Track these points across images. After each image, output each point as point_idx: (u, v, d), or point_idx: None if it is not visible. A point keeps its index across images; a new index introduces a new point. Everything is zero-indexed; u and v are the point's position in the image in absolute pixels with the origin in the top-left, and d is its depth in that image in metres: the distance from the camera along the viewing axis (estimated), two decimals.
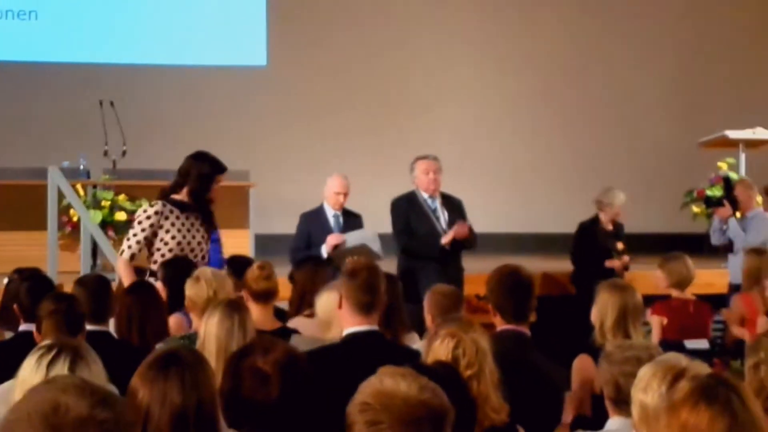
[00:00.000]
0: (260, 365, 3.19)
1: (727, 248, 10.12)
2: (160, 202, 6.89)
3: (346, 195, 8.77)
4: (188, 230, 6.95)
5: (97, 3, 14.39)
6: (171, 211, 6.90)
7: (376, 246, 8.45)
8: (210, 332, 4.53)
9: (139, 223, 6.86)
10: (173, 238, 6.86)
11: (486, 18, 15.14)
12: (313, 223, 8.77)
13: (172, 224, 6.88)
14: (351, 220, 8.90)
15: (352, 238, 8.45)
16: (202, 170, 7.00)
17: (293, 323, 6.17)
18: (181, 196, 6.97)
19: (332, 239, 8.38)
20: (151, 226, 6.83)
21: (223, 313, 4.56)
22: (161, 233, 6.85)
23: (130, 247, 6.84)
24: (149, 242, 6.86)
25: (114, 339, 5.46)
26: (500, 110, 15.10)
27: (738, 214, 10.00)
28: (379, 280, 4.77)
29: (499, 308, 5.03)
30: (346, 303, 4.63)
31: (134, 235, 6.84)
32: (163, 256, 6.79)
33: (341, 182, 8.82)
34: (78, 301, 5.02)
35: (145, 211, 6.91)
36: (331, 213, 8.81)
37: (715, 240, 10.24)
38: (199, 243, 7.00)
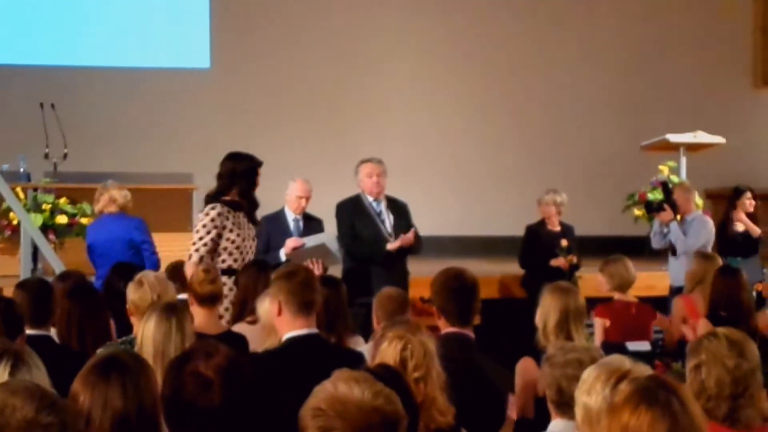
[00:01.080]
0: (202, 370, 3.15)
1: (670, 251, 10.23)
2: (218, 204, 7.12)
3: (308, 199, 8.75)
4: (242, 228, 7.25)
5: (40, 5, 14.23)
6: (228, 212, 7.17)
7: (334, 247, 8.43)
8: (147, 336, 4.50)
9: (204, 226, 7.09)
10: (238, 236, 7.18)
11: (433, 21, 15.15)
12: (274, 226, 8.72)
13: (233, 224, 7.18)
14: (312, 224, 8.84)
15: (312, 241, 8.42)
16: (245, 167, 7.31)
17: (235, 329, 6.13)
18: (230, 196, 7.22)
19: (291, 242, 8.33)
20: (216, 227, 7.09)
21: (160, 317, 4.52)
22: (225, 233, 7.12)
23: (197, 250, 7.06)
24: (215, 243, 7.09)
25: (55, 343, 5.40)
26: (446, 114, 15.12)
27: (678, 218, 10.12)
28: (315, 280, 4.76)
29: (444, 311, 5.04)
30: (285, 306, 4.58)
31: (200, 238, 7.07)
32: (230, 254, 7.11)
33: (304, 186, 8.80)
34: (16, 304, 4.96)
35: (207, 214, 7.12)
36: (291, 217, 8.77)
37: (656, 243, 10.35)
38: (253, 239, 7.38)
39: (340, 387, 2.46)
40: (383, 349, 3.93)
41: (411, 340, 3.88)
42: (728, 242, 10.25)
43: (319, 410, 2.43)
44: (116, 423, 2.95)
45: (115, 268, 6.74)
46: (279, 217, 8.80)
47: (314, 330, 4.62)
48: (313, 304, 4.63)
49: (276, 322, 4.69)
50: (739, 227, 10.38)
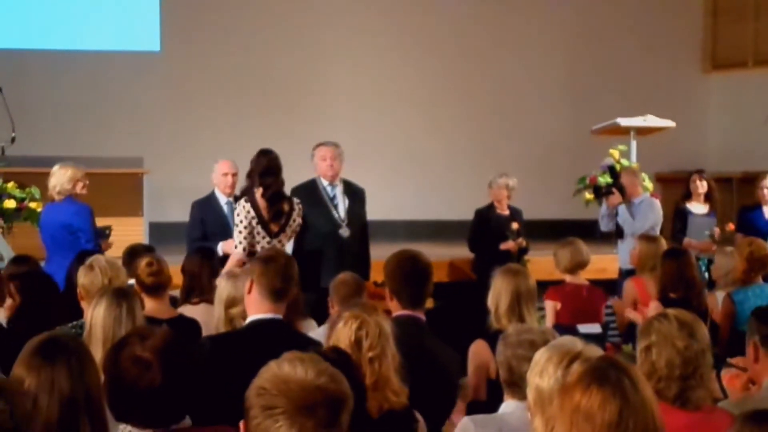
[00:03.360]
0: (139, 353, 3.16)
1: (615, 234, 10.32)
2: (249, 203, 7.54)
3: (234, 175, 8.71)
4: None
5: None
6: (257, 210, 7.54)
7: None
8: (96, 320, 4.48)
9: (241, 222, 7.55)
10: (260, 234, 7.56)
11: (384, 6, 15.13)
12: (206, 210, 8.70)
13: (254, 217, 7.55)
14: None
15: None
16: (263, 166, 7.62)
17: (181, 310, 6.18)
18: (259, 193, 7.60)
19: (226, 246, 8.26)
20: (249, 223, 7.54)
21: (110, 301, 4.51)
22: (257, 229, 7.54)
23: (240, 242, 7.55)
24: (251, 235, 7.54)
25: (2, 327, 5.35)
26: (398, 99, 15.11)
27: (626, 202, 10.22)
28: (294, 269, 4.75)
29: (396, 294, 5.05)
30: (257, 288, 4.58)
31: (239, 232, 7.55)
32: (263, 247, 7.41)
33: (228, 163, 8.80)
34: None
35: (238, 215, 7.58)
36: (223, 200, 8.74)
37: (603, 226, 10.45)
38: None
39: (284, 367, 2.47)
40: (339, 329, 3.93)
41: (366, 320, 3.89)
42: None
43: (262, 389, 2.44)
44: (64, 406, 2.92)
45: (79, 256, 6.68)
46: (210, 200, 8.77)
47: (279, 315, 4.61)
48: (285, 292, 4.62)
49: (246, 300, 4.69)
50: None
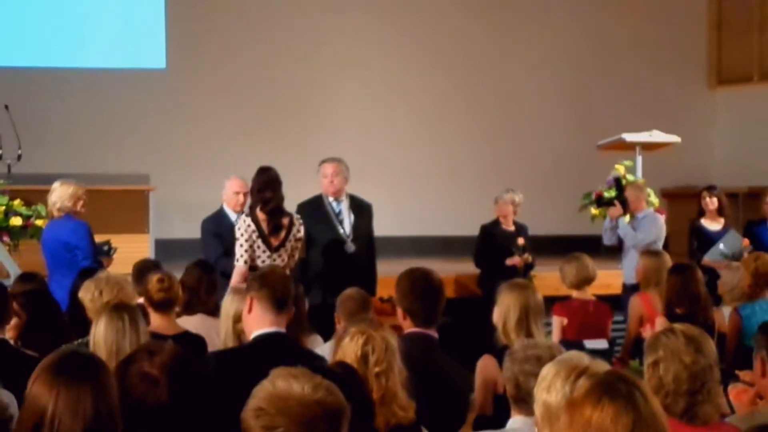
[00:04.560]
0: (147, 369, 3.15)
1: (615, 249, 10.31)
2: (249, 218, 7.67)
3: (245, 195, 8.70)
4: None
5: None
6: (257, 224, 7.63)
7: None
8: (98, 336, 4.50)
9: (242, 236, 7.63)
10: (261, 249, 7.63)
11: (390, 21, 15.16)
12: (219, 226, 8.68)
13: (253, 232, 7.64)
14: None
15: None
16: (261, 182, 7.74)
17: (177, 321, 6.20)
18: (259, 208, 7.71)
19: None
20: (250, 237, 7.62)
21: (111, 316, 4.52)
22: (257, 243, 7.61)
23: (242, 256, 7.62)
24: (252, 251, 7.61)
25: (11, 346, 5.34)
26: (404, 114, 15.13)
27: (628, 216, 10.21)
28: (291, 284, 4.76)
29: (409, 312, 5.02)
30: (257, 303, 4.59)
31: (240, 246, 7.63)
32: (263, 262, 7.54)
33: (239, 182, 8.79)
34: None
35: (239, 228, 7.68)
36: (233, 217, 8.73)
37: (607, 240, 10.44)
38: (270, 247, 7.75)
39: (278, 384, 2.45)
40: (345, 344, 3.93)
41: (373, 335, 3.88)
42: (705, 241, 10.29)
43: (260, 410, 2.42)
44: (88, 424, 2.85)
45: (81, 274, 6.68)
46: (221, 217, 8.76)
47: (282, 329, 4.61)
48: (284, 305, 4.63)
49: (245, 319, 4.70)
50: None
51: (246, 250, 7.60)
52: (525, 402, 3.97)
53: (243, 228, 7.63)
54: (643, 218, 10.19)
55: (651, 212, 10.36)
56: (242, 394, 2.50)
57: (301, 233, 7.84)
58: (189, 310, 6.55)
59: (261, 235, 7.63)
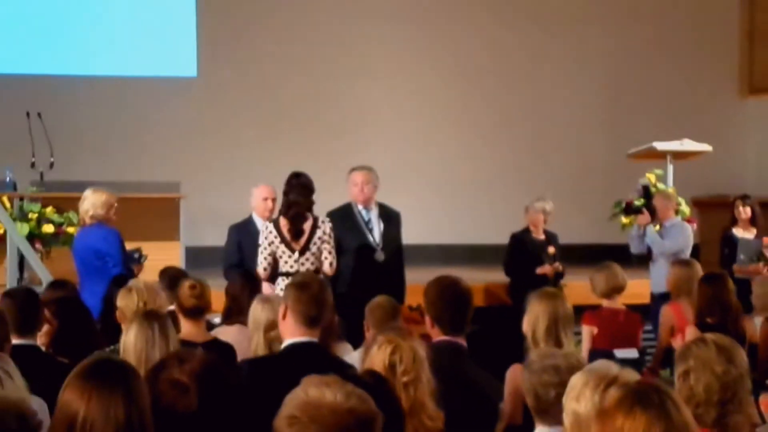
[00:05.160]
0: (177, 376, 3.15)
1: (644, 257, 10.27)
2: (272, 224, 7.88)
3: (274, 200, 8.76)
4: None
5: (25, 13, 14.18)
6: (278, 230, 7.79)
7: None
8: (128, 343, 4.52)
9: (262, 243, 7.86)
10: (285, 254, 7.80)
11: (420, 29, 15.15)
12: (244, 234, 8.74)
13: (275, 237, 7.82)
14: None
15: None
16: (288, 187, 7.91)
17: (215, 332, 6.21)
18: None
19: None
20: (271, 242, 7.81)
21: (141, 324, 4.54)
22: (281, 249, 7.77)
23: (260, 263, 7.84)
24: (274, 257, 7.81)
25: (42, 353, 5.38)
26: (433, 122, 15.12)
27: (658, 225, 10.18)
28: (328, 294, 4.78)
29: (438, 320, 5.02)
30: (291, 314, 4.60)
31: (260, 253, 7.85)
32: (291, 267, 7.75)
33: (268, 188, 8.86)
34: (3, 314, 4.92)
35: (261, 233, 7.91)
36: (260, 224, 8.76)
37: (634, 248, 10.41)
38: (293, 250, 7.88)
39: (311, 392, 2.45)
40: (373, 353, 3.93)
41: (401, 344, 3.87)
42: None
43: (293, 418, 2.41)
44: (120, 430, 2.85)
45: (115, 281, 6.72)
46: (248, 224, 8.82)
47: (314, 339, 4.62)
48: (318, 318, 4.66)
49: (280, 325, 4.74)
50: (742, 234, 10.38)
51: (265, 258, 7.81)
52: (547, 413, 3.96)
53: (264, 234, 7.84)
54: (671, 227, 10.16)
55: (679, 221, 10.33)
56: (274, 402, 2.50)
57: (327, 234, 7.87)
58: (229, 318, 6.56)
59: (282, 240, 7.74)
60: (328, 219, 8.06)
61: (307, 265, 7.75)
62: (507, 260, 10.55)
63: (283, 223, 7.78)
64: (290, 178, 7.94)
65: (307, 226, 7.78)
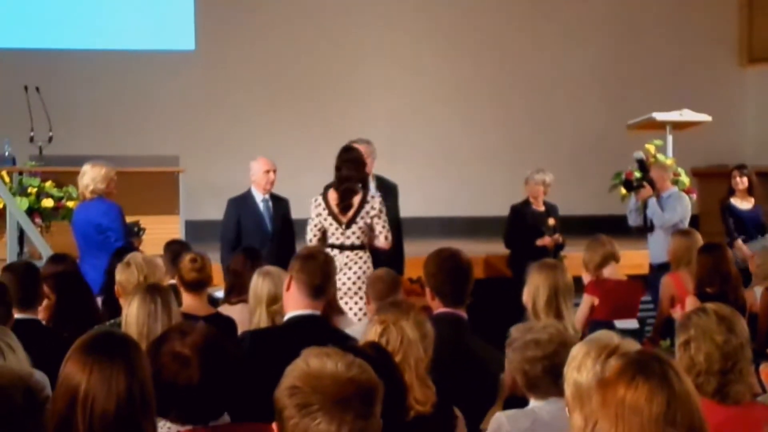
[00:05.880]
0: (179, 349, 3.17)
1: (642, 229, 10.28)
2: (320, 197, 7.96)
3: (275, 172, 8.81)
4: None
5: None
6: (327, 203, 7.91)
7: None
8: (131, 317, 4.53)
9: (310, 215, 8.00)
10: (325, 220, 7.95)
11: (417, 3, 15.12)
12: (243, 208, 8.77)
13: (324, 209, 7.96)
14: (279, 204, 8.94)
15: None
16: (339, 162, 7.98)
17: (219, 309, 6.21)
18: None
19: None
20: (318, 214, 7.94)
21: (143, 298, 4.55)
22: (328, 221, 7.88)
23: (310, 237, 8.00)
24: (323, 230, 7.94)
25: (43, 326, 5.39)
26: (432, 95, 15.10)
27: (655, 196, 10.19)
28: (333, 267, 4.79)
29: (438, 292, 5.02)
30: (296, 284, 4.60)
31: (310, 228, 8.00)
32: (337, 239, 7.88)
33: (268, 161, 8.88)
34: (5, 290, 4.92)
35: (311, 208, 7.99)
36: (259, 198, 8.81)
37: (632, 221, 10.42)
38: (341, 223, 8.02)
39: (312, 362, 2.45)
40: (366, 331, 3.93)
41: (389, 326, 3.84)
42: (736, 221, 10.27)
43: (294, 388, 2.41)
44: (121, 402, 2.85)
45: (117, 253, 6.71)
46: (246, 198, 8.86)
47: (317, 312, 4.62)
48: (323, 289, 4.65)
49: (284, 297, 4.73)
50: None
51: (315, 231, 7.95)
52: (537, 387, 3.98)
53: (312, 207, 7.97)
54: (668, 197, 10.18)
55: (676, 191, 10.36)
56: (276, 374, 2.50)
57: (377, 209, 7.98)
58: (232, 295, 6.54)
59: (331, 213, 7.89)
60: (379, 194, 8.17)
61: (353, 238, 7.90)
62: (507, 232, 10.56)
63: (333, 196, 7.89)
64: (341, 153, 8.06)
65: (356, 200, 7.90)
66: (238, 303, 6.35)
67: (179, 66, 14.31)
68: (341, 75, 14.79)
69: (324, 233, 7.98)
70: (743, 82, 16.49)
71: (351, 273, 7.79)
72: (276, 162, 9.03)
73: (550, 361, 3.91)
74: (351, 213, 7.87)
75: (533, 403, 4.04)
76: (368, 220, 7.93)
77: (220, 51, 14.41)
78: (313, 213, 7.95)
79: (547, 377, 3.91)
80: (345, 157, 7.97)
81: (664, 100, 12.91)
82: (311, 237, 7.97)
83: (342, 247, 7.86)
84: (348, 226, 7.87)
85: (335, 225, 7.88)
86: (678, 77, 15.57)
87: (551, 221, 10.15)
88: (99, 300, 6.21)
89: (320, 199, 7.94)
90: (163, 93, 14.13)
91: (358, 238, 7.89)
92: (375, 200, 7.99)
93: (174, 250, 6.93)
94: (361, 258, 7.90)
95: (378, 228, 7.98)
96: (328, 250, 7.66)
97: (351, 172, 7.90)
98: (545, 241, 10.07)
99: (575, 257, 10.00)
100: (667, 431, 2.57)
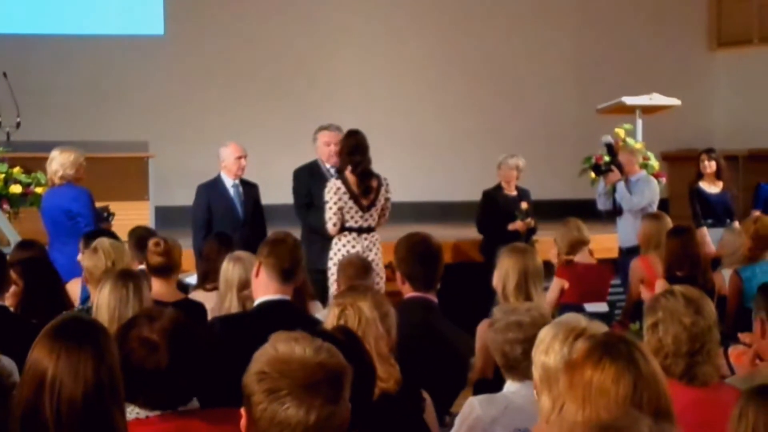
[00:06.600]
0: (147, 334, 3.16)
1: (611, 213, 10.32)
2: (340, 181, 7.93)
3: (246, 158, 8.82)
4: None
5: None
6: (347, 186, 7.89)
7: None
8: (102, 302, 4.50)
9: (330, 199, 7.90)
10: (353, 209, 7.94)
11: None
12: (213, 194, 8.75)
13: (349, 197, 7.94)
14: (249, 190, 8.94)
15: None
16: (350, 145, 8.00)
17: (193, 296, 6.17)
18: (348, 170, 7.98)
19: None
20: (339, 199, 7.87)
21: (115, 283, 4.52)
22: (349, 204, 7.87)
23: (330, 219, 7.90)
24: (341, 212, 7.87)
25: (10, 313, 5.34)
26: (403, 80, 15.07)
27: (624, 180, 10.23)
28: (301, 252, 4.77)
29: (408, 276, 5.04)
30: (265, 269, 4.59)
31: (329, 209, 7.90)
32: (356, 222, 7.93)
33: (239, 147, 8.88)
34: None
35: (328, 192, 7.91)
36: (230, 183, 8.80)
37: (601, 205, 10.46)
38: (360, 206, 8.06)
39: (280, 347, 2.45)
40: (327, 314, 3.94)
41: (347, 306, 3.85)
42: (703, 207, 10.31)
43: (263, 374, 2.41)
44: (89, 389, 2.84)
45: (85, 238, 6.65)
46: (217, 184, 8.84)
47: (287, 297, 4.61)
48: (292, 273, 4.64)
49: (253, 283, 4.72)
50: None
51: (335, 213, 7.89)
52: (516, 369, 4.01)
53: (333, 191, 7.90)
54: (637, 181, 10.21)
55: (644, 175, 10.39)
56: (245, 360, 2.50)
57: (390, 194, 8.14)
58: (206, 281, 6.52)
59: (352, 196, 7.90)
60: (387, 180, 8.21)
61: (370, 221, 8.01)
62: (479, 217, 10.57)
63: (352, 179, 7.91)
64: (348, 137, 8.10)
65: (375, 183, 8.00)
66: (213, 290, 6.33)
67: (148, 51, 14.22)
68: (313, 61, 14.74)
69: (342, 216, 7.97)
70: (713, 66, 16.55)
71: (372, 254, 7.89)
72: (246, 148, 9.01)
73: (530, 344, 3.92)
74: (372, 196, 7.98)
75: (509, 385, 4.06)
76: (383, 202, 8.07)
77: (190, 36, 14.33)
78: (332, 197, 7.89)
79: (526, 360, 3.92)
80: (352, 142, 8.00)
81: (634, 84, 12.94)
82: (334, 221, 7.90)
83: (360, 230, 7.96)
84: (367, 209, 7.96)
85: (356, 208, 7.93)
86: (648, 61, 15.60)
87: (524, 205, 10.16)
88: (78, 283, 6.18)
89: (339, 183, 7.92)
90: (132, 78, 14.04)
91: (374, 220, 8.04)
92: (387, 184, 8.14)
93: (138, 235, 6.88)
94: (377, 240, 8.10)
95: (387, 213, 8.18)
96: (346, 233, 7.94)
97: (359, 156, 7.93)
98: (517, 225, 10.08)
99: (547, 242, 10.04)
100: (633, 412, 2.58)
